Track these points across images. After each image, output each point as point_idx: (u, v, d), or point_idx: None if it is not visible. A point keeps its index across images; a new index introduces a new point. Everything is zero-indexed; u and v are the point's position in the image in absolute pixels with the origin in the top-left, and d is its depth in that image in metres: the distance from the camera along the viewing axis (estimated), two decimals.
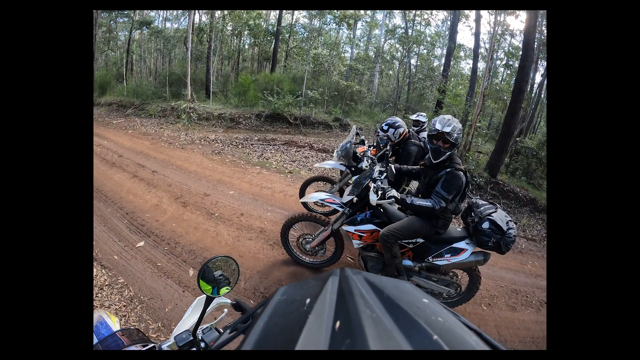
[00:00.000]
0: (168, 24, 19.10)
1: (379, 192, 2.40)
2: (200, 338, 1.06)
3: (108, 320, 1.78)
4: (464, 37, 43.46)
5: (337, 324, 0.40)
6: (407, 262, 2.68)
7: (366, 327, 0.38)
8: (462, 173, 2.35)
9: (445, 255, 2.59)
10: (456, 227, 2.75)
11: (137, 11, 16.25)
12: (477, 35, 12.30)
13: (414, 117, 4.89)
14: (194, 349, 1.06)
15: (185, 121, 8.73)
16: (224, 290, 1.02)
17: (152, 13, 17.70)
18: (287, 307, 0.54)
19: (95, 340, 1.74)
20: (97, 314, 1.84)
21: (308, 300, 0.50)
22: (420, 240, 2.61)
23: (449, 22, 14.88)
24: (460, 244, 2.58)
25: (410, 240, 2.59)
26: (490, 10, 10.55)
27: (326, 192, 3.56)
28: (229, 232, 3.93)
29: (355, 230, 2.69)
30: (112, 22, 19.38)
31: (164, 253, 3.86)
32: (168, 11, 18.35)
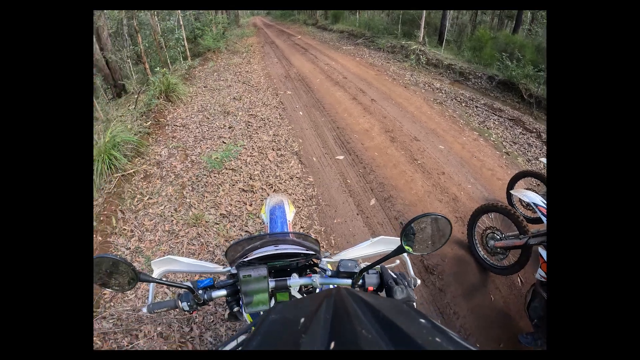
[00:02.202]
0: None
1: None
2: (363, 275, 1.03)
3: (286, 207, 1.91)
4: None
5: (332, 344, 0.40)
6: None
7: (362, 347, 0.38)
8: None
9: None
10: None
11: None
12: None
13: None
14: (350, 280, 1.04)
15: (413, 62, 8.71)
16: (415, 250, 0.95)
17: None
18: (280, 326, 0.54)
19: (268, 220, 1.85)
20: (279, 198, 1.99)
21: (302, 320, 0.51)
22: None
23: None
24: None
25: None
26: None
27: (541, 195, 2.98)
28: (423, 183, 3.85)
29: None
30: None
31: (357, 174, 4.09)
32: None
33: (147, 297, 1.06)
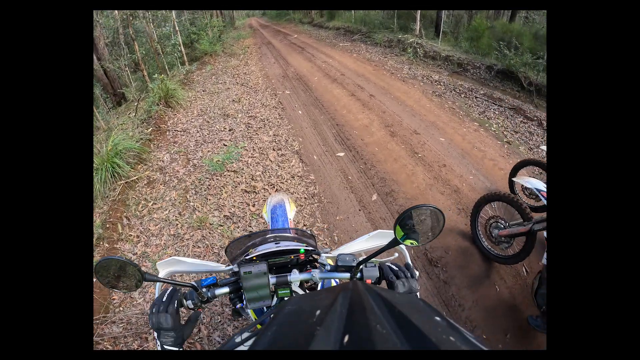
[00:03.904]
0: None
1: None
2: (360, 269, 1.05)
3: (287, 205, 1.94)
4: None
5: (346, 338, 0.41)
6: None
7: (375, 342, 0.39)
8: None
9: None
10: None
11: None
12: None
13: None
14: (349, 274, 1.06)
15: (411, 55, 8.71)
16: (409, 241, 0.95)
17: None
18: (296, 317, 0.55)
19: (270, 219, 1.88)
20: (280, 197, 2.03)
21: (318, 312, 0.51)
22: None
23: None
24: None
25: None
26: None
27: (544, 182, 2.99)
28: (424, 176, 3.87)
29: None
30: None
31: (358, 170, 4.13)
32: None
33: (154, 298, 1.09)
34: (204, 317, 2.48)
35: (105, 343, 2.37)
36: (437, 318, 0.50)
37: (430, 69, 7.72)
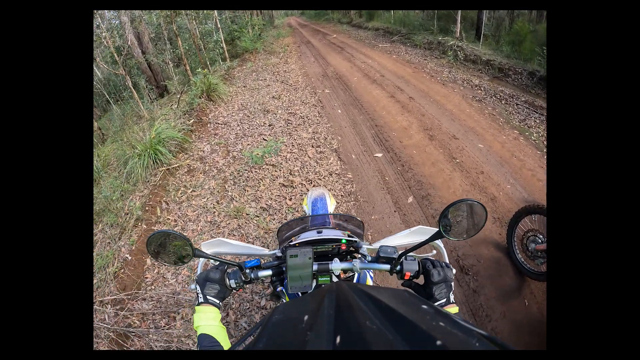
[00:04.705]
0: None
1: None
2: (401, 261, 1.05)
3: (328, 199, 1.96)
4: None
5: (338, 338, 0.41)
6: None
7: (368, 339, 0.38)
8: None
9: None
10: None
11: None
12: None
13: None
14: (389, 265, 1.06)
15: (451, 58, 8.56)
16: (452, 236, 0.93)
17: None
18: (285, 325, 0.54)
19: (310, 212, 1.90)
20: (320, 190, 2.05)
21: (306, 317, 0.51)
22: None
23: None
24: None
25: None
26: None
27: None
28: (461, 182, 3.80)
29: None
30: None
31: (395, 172, 4.12)
32: None
33: (196, 273, 1.13)
34: (233, 303, 2.55)
35: (133, 318, 2.47)
36: (424, 306, 0.51)
37: (471, 73, 7.56)
